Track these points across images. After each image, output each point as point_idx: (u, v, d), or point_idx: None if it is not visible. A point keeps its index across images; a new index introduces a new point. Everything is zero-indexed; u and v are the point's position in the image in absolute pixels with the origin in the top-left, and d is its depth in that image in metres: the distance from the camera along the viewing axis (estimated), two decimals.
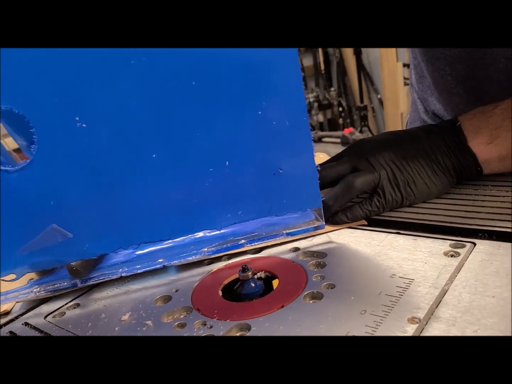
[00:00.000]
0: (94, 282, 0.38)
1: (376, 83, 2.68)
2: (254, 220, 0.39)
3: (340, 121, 2.78)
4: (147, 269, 0.39)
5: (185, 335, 0.30)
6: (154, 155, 0.35)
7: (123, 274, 0.39)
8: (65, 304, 0.38)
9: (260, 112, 0.35)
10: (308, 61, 2.81)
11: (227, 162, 0.36)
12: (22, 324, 0.36)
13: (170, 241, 0.40)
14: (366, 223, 0.42)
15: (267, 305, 0.32)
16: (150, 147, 0.35)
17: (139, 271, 0.39)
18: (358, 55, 2.66)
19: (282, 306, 0.31)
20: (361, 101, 2.69)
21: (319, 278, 0.34)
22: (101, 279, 0.39)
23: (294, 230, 0.40)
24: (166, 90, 0.33)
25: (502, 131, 0.41)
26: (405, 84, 2.16)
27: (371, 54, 2.66)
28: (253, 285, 0.35)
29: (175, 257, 0.39)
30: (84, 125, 0.32)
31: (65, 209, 0.35)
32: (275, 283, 0.36)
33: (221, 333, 0.30)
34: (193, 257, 0.39)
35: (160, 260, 0.39)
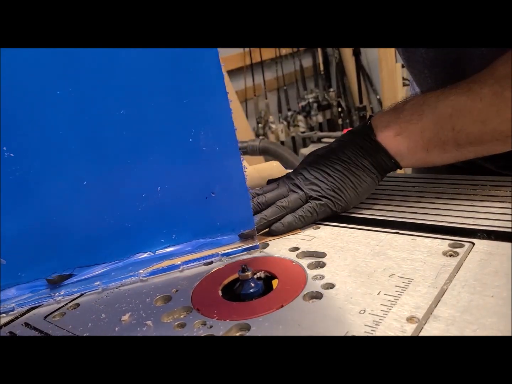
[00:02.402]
0: (29, 306, 0.38)
1: (375, 84, 2.68)
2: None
3: (340, 121, 2.78)
4: (83, 292, 0.39)
5: (185, 335, 0.30)
6: (85, 182, 0.35)
7: (58, 299, 0.39)
8: (65, 304, 0.38)
9: (191, 140, 0.36)
10: (307, 62, 2.81)
11: (158, 188, 0.37)
12: (22, 324, 0.36)
13: (106, 264, 0.40)
14: (300, 231, 0.43)
15: (267, 305, 0.32)
16: (81, 174, 0.35)
17: (76, 294, 0.39)
18: (357, 56, 2.66)
19: (282, 306, 0.31)
20: (360, 101, 2.69)
21: (319, 278, 0.34)
22: (38, 303, 0.38)
23: (229, 250, 0.41)
24: (97, 117, 0.34)
25: (409, 124, 0.43)
26: (404, 84, 2.16)
27: (370, 55, 2.66)
28: (252, 285, 0.35)
29: (112, 279, 0.39)
30: (12, 155, 0.33)
31: None
32: (275, 283, 0.36)
33: (221, 333, 0.30)
34: (130, 279, 0.40)
35: (97, 283, 0.39)
